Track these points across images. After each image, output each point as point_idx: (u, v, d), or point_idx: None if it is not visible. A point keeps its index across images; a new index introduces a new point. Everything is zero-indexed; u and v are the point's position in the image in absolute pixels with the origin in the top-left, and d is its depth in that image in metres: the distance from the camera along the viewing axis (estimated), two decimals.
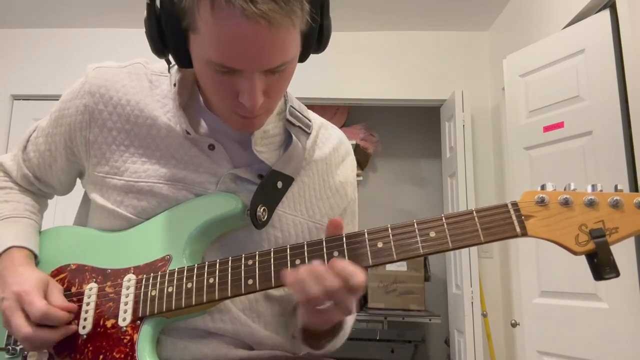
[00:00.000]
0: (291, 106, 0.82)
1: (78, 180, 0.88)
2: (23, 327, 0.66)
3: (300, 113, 0.83)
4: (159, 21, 0.66)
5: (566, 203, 0.62)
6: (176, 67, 0.78)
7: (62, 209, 1.59)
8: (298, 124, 0.81)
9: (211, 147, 0.76)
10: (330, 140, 0.88)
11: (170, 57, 0.70)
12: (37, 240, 0.80)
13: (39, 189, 0.88)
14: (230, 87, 0.66)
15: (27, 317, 0.67)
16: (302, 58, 0.71)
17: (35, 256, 0.78)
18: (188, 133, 0.75)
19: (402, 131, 3.94)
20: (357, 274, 0.61)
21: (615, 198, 0.60)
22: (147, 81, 0.79)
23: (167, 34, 0.66)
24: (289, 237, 0.79)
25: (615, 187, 0.62)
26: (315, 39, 0.69)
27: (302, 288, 0.61)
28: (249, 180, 0.77)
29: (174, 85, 0.76)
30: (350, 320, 0.78)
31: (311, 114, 0.88)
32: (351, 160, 0.91)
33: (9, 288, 0.69)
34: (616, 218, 0.60)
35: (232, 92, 0.66)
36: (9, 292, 0.69)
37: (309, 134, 0.83)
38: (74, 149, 0.80)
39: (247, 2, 0.57)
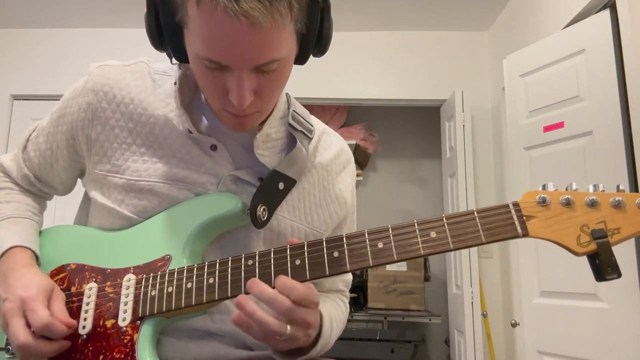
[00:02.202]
0: (294, 110, 0.82)
1: (78, 180, 0.88)
2: (21, 334, 0.64)
3: (302, 118, 0.83)
4: (157, 16, 0.66)
5: (568, 203, 0.61)
6: (178, 66, 0.78)
7: (62, 208, 1.59)
8: (300, 128, 0.81)
9: (213, 147, 0.76)
10: (332, 147, 0.88)
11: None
12: (38, 242, 0.80)
13: (39, 189, 0.88)
14: (220, 84, 0.66)
15: (27, 324, 0.65)
16: (301, 61, 0.71)
17: (37, 257, 0.77)
18: (190, 132, 0.75)
19: (402, 131, 3.93)
20: (297, 288, 0.62)
21: (617, 198, 0.60)
22: (150, 80, 0.79)
23: (164, 29, 0.67)
24: (286, 242, 0.78)
25: (617, 187, 0.61)
26: (314, 42, 0.69)
27: (259, 328, 0.61)
28: (249, 183, 0.77)
29: (175, 83, 0.76)
30: (330, 336, 0.75)
31: (313, 119, 0.88)
32: (352, 169, 0.91)
33: (13, 290, 0.67)
34: (618, 218, 0.59)
35: (222, 89, 0.66)
36: (12, 294, 0.67)
37: (310, 138, 0.83)
38: (77, 147, 0.80)
39: (231, 0, 0.57)
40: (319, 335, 0.71)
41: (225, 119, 0.72)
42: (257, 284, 0.64)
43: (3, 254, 0.74)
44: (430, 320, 2.96)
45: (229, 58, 0.62)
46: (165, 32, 0.67)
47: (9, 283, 0.69)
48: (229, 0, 0.57)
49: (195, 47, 0.64)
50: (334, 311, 0.81)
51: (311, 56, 0.72)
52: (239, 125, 0.72)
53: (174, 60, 0.73)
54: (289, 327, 0.62)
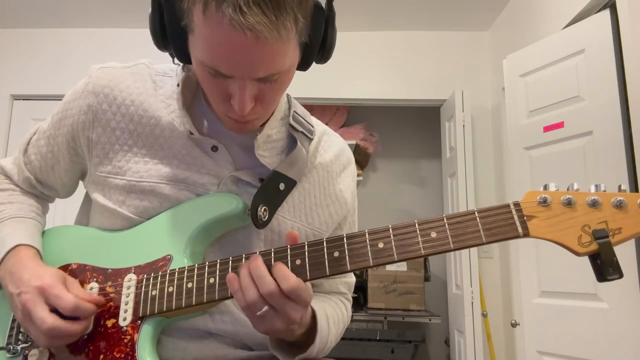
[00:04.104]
0: (295, 111, 0.83)
1: (80, 182, 0.89)
2: (48, 318, 0.65)
3: (303, 119, 0.84)
4: (162, 18, 0.66)
5: (569, 203, 0.61)
6: (181, 67, 0.78)
7: (63, 209, 1.59)
8: (301, 129, 0.81)
9: (214, 148, 0.77)
10: (332, 148, 0.88)
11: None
12: (41, 241, 0.80)
13: (41, 191, 0.88)
14: (222, 90, 0.66)
15: (50, 310, 0.66)
16: (304, 67, 0.71)
17: (40, 257, 0.77)
18: (191, 133, 0.75)
19: (402, 131, 3.93)
20: (289, 279, 0.62)
21: (618, 198, 0.59)
22: (151, 81, 0.79)
23: (169, 31, 0.67)
24: (287, 238, 0.78)
25: (619, 187, 0.61)
26: (317, 51, 0.69)
27: (242, 294, 0.62)
28: (249, 184, 0.77)
29: (178, 85, 0.76)
30: (328, 335, 0.75)
31: (314, 120, 0.88)
32: (352, 169, 0.91)
33: (27, 283, 0.68)
34: (619, 219, 0.59)
35: (225, 95, 0.67)
36: (27, 286, 0.67)
37: (311, 139, 0.83)
38: (78, 150, 0.80)
39: (236, 12, 0.57)
40: (314, 332, 0.71)
41: (226, 122, 0.73)
42: (256, 259, 0.64)
43: (8, 252, 0.74)
44: (430, 320, 2.96)
45: (232, 69, 0.63)
46: (170, 35, 0.67)
47: (19, 278, 0.69)
48: (235, 12, 0.57)
49: (199, 55, 0.64)
50: (331, 311, 0.81)
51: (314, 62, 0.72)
52: (240, 129, 0.73)
53: (176, 61, 0.73)
54: (266, 307, 0.62)
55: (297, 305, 0.63)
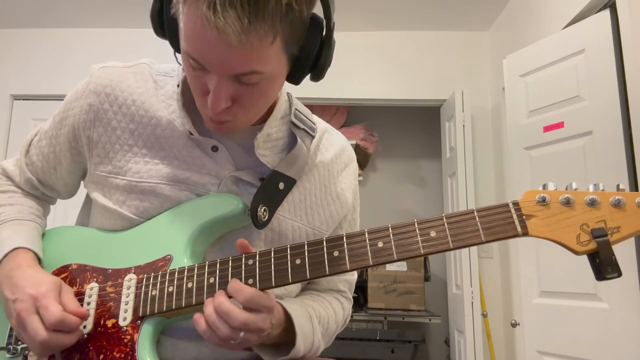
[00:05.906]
0: (296, 109, 0.82)
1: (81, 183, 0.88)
2: (41, 331, 0.64)
3: (305, 116, 0.83)
4: (161, 5, 0.67)
5: (567, 202, 0.61)
6: (182, 68, 0.78)
7: (63, 209, 1.58)
8: (303, 126, 0.81)
9: (214, 148, 0.76)
10: (333, 146, 0.88)
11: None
12: (41, 244, 0.80)
13: (42, 193, 0.88)
14: (202, 84, 0.66)
15: (43, 321, 0.66)
16: (295, 81, 0.71)
17: (39, 260, 0.77)
18: (191, 134, 0.75)
19: (402, 131, 3.94)
20: (243, 291, 0.63)
21: (617, 197, 0.60)
22: (152, 81, 0.79)
23: (165, 19, 0.67)
24: (287, 242, 0.78)
25: (617, 186, 0.61)
26: (310, 67, 0.69)
27: (213, 333, 0.63)
28: (250, 183, 0.77)
29: (178, 85, 0.76)
30: (313, 334, 0.76)
31: (315, 118, 0.88)
32: (353, 168, 0.90)
33: (22, 290, 0.67)
34: (618, 217, 0.59)
35: (203, 90, 0.67)
36: (22, 294, 0.67)
37: (313, 136, 0.83)
38: (79, 149, 0.81)
39: (209, 10, 0.57)
40: (293, 331, 0.71)
41: (206, 120, 0.72)
42: (218, 296, 0.65)
43: (6, 255, 0.74)
44: (430, 320, 2.96)
45: (206, 61, 0.63)
46: (165, 22, 0.68)
47: (15, 283, 0.69)
48: (208, 9, 0.57)
49: (182, 42, 0.64)
50: (320, 310, 0.81)
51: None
52: (215, 128, 0.72)
53: (178, 60, 0.73)
54: (242, 333, 0.63)
55: (261, 314, 0.64)
